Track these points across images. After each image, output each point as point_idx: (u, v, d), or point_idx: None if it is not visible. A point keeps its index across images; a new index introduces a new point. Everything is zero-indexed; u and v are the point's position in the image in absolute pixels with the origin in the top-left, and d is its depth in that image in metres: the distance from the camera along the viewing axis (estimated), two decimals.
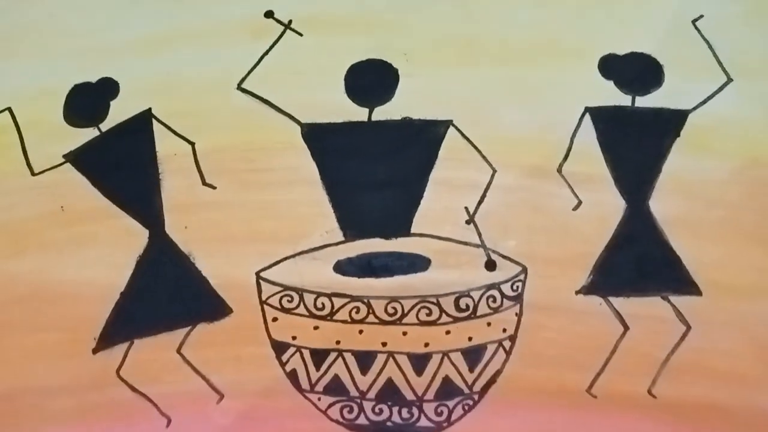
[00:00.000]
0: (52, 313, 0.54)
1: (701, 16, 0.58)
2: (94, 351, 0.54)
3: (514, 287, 0.55)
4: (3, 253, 0.55)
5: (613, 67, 0.58)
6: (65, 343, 0.54)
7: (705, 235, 0.55)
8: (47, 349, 0.54)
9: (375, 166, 0.56)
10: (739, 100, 0.57)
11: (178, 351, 0.54)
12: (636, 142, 0.57)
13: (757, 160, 0.56)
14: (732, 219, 0.56)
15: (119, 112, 0.57)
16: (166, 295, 0.55)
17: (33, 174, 0.56)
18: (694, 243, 0.55)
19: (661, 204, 0.56)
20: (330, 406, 0.55)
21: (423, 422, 0.54)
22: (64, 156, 0.56)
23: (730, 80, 0.57)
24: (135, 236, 0.55)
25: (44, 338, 0.54)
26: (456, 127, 0.56)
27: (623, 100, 0.57)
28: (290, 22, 0.58)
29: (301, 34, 0.58)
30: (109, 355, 0.54)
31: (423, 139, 0.56)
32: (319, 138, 0.56)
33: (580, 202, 0.55)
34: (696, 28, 0.58)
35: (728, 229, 0.55)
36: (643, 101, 0.57)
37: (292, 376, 0.55)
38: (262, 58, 0.58)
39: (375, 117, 0.57)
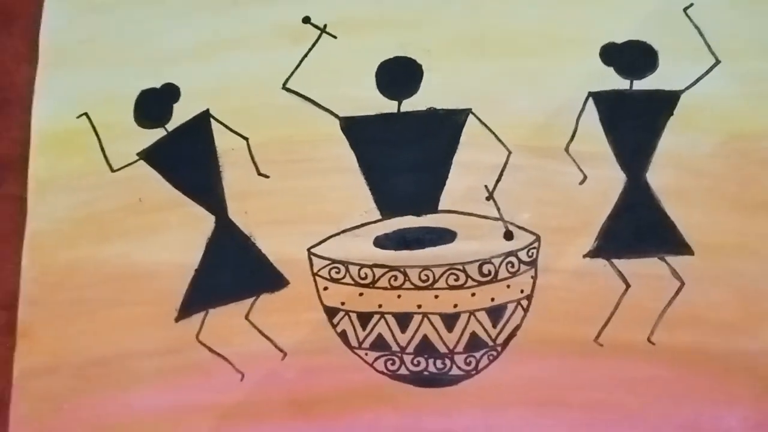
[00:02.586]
0: (136, 289, 0.62)
1: (691, 4, 0.63)
2: (176, 320, 0.61)
3: (530, 254, 0.61)
4: (91, 240, 0.62)
5: (612, 54, 0.63)
6: (149, 314, 0.61)
7: (695, 203, 0.61)
8: (134, 320, 0.61)
9: (405, 152, 0.63)
10: (725, 80, 0.62)
11: (246, 317, 0.61)
12: (634, 121, 0.62)
13: (739, 135, 0.62)
14: (718, 187, 0.61)
15: (182, 113, 0.64)
16: (232, 270, 0.62)
17: (112, 171, 0.64)
18: (686, 210, 0.61)
19: (657, 176, 0.61)
20: (376, 359, 0.61)
21: (455, 371, 0.60)
22: (138, 154, 0.64)
23: (718, 62, 0.62)
24: (203, 221, 0.62)
25: (131, 311, 0.61)
26: (475, 115, 0.63)
27: (622, 84, 0.63)
28: (325, 26, 0.65)
29: (335, 37, 0.65)
30: (189, 323, 0.61)
31: (446, 126, 0.63)
32: (356, 129, 0.63)
33: (585, 177, 0.62)
34: (687, 15, 0.63)
35: (715, 196, 0.61)
36: (640, 84, 0.63)
37: (343, 335, 0.61)
38: (302, 60, 0.64)
39: (403, 108, 0.63)
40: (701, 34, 0.63)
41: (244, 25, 0.66)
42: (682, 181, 0.62)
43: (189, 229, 0.63)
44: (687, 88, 0.63)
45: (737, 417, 0.59)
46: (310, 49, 0.65)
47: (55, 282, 0.63)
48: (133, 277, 0.62)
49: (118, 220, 0.63)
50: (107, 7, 0.67)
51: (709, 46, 0.63)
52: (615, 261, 0.61)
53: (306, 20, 0.65)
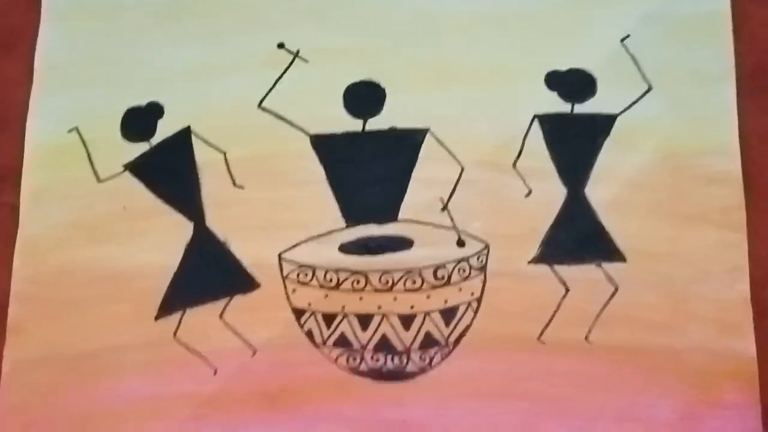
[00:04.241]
0: (121, 289, 0.66)
1: (628, 36, 0.69)
2: (156, 318, 0.66)
3: (480, 260, 0.66)
4: (81, 243, 0.67)
5: (555, 81, 0.69)
6: (132, 312, 0.66)
7: (629, 214, 0.67)
8: (118, 317, 0.66)
9: (369, 166, 0.68)
10: (658, 105, 0.68)
11: (221, 317, 0.66)
12: (574, 141, 0.68)
13: (671, 153, 0.67)
14: (650, 200, 0.67)
15: (166, 129, 0.70)
16: (208, 273, 0.67)
17: (99, 181, 0.69)
18: (620, 220, 0.67)
19: (595, 190, 0.67)
20: (338, 356, 0.65)
21: (410, 367, 0.65)
22: (124, 166, 0.69)
23: (650, 88, 0.69)
24: (183, 228, 0.68)
25: (118, 308, 0.66)
26: (432, 134, 0.68)
27: (564, 107, 0.69)
28: (298, 51, 0.71)
29: (307, 61, 0.70)
30: (168, 321, 0.66)
31: (406, 144, 0.68)
32: (324, 145, 0.69)
33: (530, 191, 0.67)
34: (624, 46, 0.69)
35: (647, 208, 0.67)
36: (581, 108, 0.69)
37: (309, 334, 0.66)
38: (276, 81, 0.70)
39: (368, 127, 0.69)
40: (636, 63, 0.69)
41: (225, 51, 0.71)
42: (618, 195, 0.68)
43: (169, 235, 0.68)
44: (622, 111, 0.69)
45: (667, 407, 0.65)
46: (284, 72, 0.70)
47: (45, 282, 0.68)
48: (118, 278, 0.67)
49: (104, 226, 0.68)
50: (99, 32, 0.72)
51: (643, 74, 0.69)
52: (556, 267, 0.67)
53: (280, 46, 0.71)
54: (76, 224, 0.69)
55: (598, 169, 0.68)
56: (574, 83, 0.69)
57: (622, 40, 0.70)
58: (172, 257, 0.68)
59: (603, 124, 0.69)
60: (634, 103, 0.69)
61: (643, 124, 0.69)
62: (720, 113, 0.69)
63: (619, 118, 0.69)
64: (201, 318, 0.67)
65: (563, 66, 0.70)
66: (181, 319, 0.67)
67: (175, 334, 0.67)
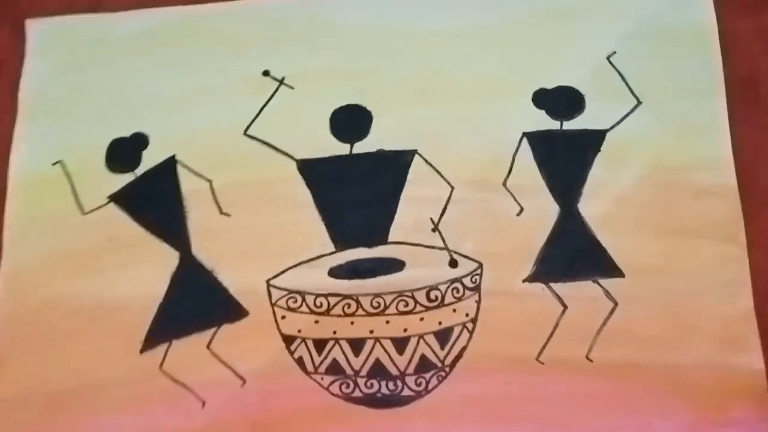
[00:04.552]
0: (105, 322, 0.65)
1: (614, 53, 0.69)
2: (141, 351, 0.64)
3: (473, 280, 0.65)
4: (65, 276, 0.66)
5: (543, 99, 0.69)
6: (118, 345, 0.64)
7: (622, 230, 0.66)
8: (106, 351, 0.64)
9: (357, 189, 0.67)
10: (647, 120, 0.68)
11: (208, 347, 0.64)
12: (565, 158, 0.68)
13: (662, 167, 0.67)
14: (643, 215, 0.66)
15: (150, 159, 0.69)
16: (195, 303, 0.65)
17: (83, 213, 0.68)
18: (615, 236, 0.66)
19: (587, 206, 0.66)
20: (331, 383, 0.64)
21: (406, 392, 0.63)
22: (109, 197, 0.68)
23: (639, 103, 0.68)
24: (168, 257, 0.66)
25: (103, 343, 0.65)
26: (420, 155, 0.68)
27: (553, 125, 0.68)
28: (284, 78, 0.71)
29: (292, 87, 0.71)
30: (153, 353, 0.64)
31: (394, 165, 0.68)
32: (311, 170, 0.68)
33: (522, 209, 0.66)
34: (610, 62, 0.69)
35: (640, 223, 0.66)
36: (570, 125, 0.68)
37: (300, 361, 0.64)
38: (262, 109, 0.70)
39: (355, 150, 0.68)
40: (623, 79, 0.69)
41: (209, 79, 0.71)
42: (611, 210, 0.67)
43: (155, 265, 0.67)
44: (612, 127, 0.69)
45: (672, 428, 0.63)
46: (269, 99, 0.70)
47: (28, 317, 0.66)
48: (102, 311, 0.66)
49: (89, 259, 0.67)
50: (83, 63, 0.72)
51: (631, 90, 0.69)
52: (552, 284, 0.65)
53: (266, 73, 0.71)
54: (60, 257, 0.67)
55: (590, 185, 0.68)
56: (561, 101, 0.69)
57: (609, 56, 0.70)
58: (158, 288, 0.66)
59: (593, 140, 0.68)
60: (623, 118, 0.69)
61: (633, 139, 0.68)
62: (709, 126, 0.69)
63: (608, 134, 0.68)
64: (188, 349, 0.65)
65: (550, 84, 0.70)
66: (167, 350, 0.65)
67: (161, 366, 0.65)
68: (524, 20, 0.71)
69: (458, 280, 0.65)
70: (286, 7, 0.73)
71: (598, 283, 0.65)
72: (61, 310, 0.66)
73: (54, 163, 0.70)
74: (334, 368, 0.65)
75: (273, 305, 0.66)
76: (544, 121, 0.69)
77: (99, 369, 0.65)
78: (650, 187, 0.67)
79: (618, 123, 0.68)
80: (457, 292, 0.65)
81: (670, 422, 0.63)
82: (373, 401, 0.64)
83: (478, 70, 0.70)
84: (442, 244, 0.66)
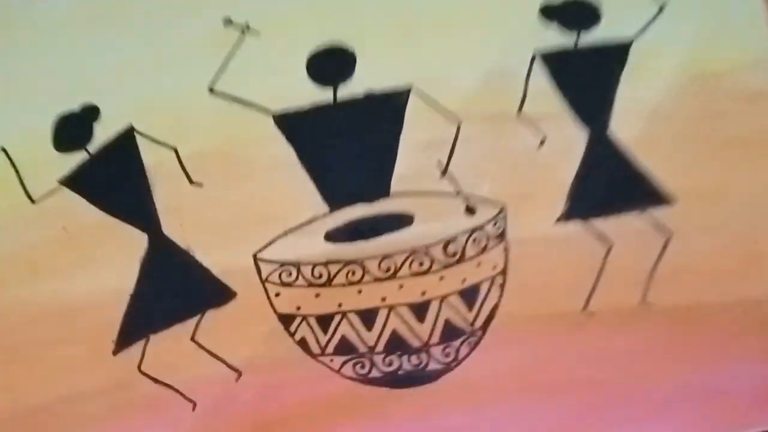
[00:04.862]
0: (70, 326, 0.56)
1: None
2: (114, 352, 0.55)
3: (497, 226, 0.56)
4: (17, 280, 0.57)
5: (552, 12, 0.60)
6: (87, 350, 0.55)
7: (666, 150, 0.57)
8: (72, 358, 0.55)
9: (346, 140, 0.58)
10: (675, 23, 0.59)
11: (192, 339, 0.55)
12: (586, 77, 0.58)
13: (701, 74, 0.58)
14: (688, 130, 0.57)
15: (104, 133, 0.60)
16: (172, 289, 0.56)
17: (33, 202, 0.59)
18: (657, 158, 0.57)
19: (620, 128, 0.57)
20: (343, 365, 0.55)
21: (432, 365, 0.55)
22: (59, 181, 0.59)
23: (663, 6, 0.59)
24: (135, 242, 0.57)
25: (68, 350, 0.56)
26: (416, 92, 0.58)
27: (567, 41, 0.59)
28: (247, 25, 0.62)
29: (258, 33, 0.62)
30: (129, 354, 0.55)
31: (387, 108, 0.58)
32: (290, 124, 0.59)
33: (544, 139, 0.57)
34: None
35: (687, 140, 0.57)
36: (586, 38, 0.59)
37: (302, 343, 0.55)
38: (227, 60, 0.61)
39: (340, 96, 0.59)
40: None
41: (160, 38, 0.62)
42: (648, 129, 0.57)
43: (120, 252, 0.57)
44: (637, 35, 0.59)
45: (756, 374, 0.54)
46: (233, 50, 0.61)
47: None
48: (65, 314, 0.56)
49: (43, 255, 0.57)
50: (11, 43, 0.63)
51: None
52: (591, 222, 0.56)
53: (227, 22, 0.62)
54: (10, 257, 0.58)
55: (620, 104, 0.58)
56: (574, 11, 0.60)
57: None
58: (127, 278, 0.57)
59: (616, 53, 0.59)
60: (647, 25, 0.59)
61: (662, 47, 0.59)
62: (748, 22, 0.59)
63: (634, 44, 0.59)
64: (169, 344, 0.56)
65: None
66: (144, 348, 0.56)
67: (139, 366, 0.55)
68: None
69: (479, 228, 0.56)
70: None
71: (646, 214, 0.56)
72: (18, 318, 0.56)
73: None
74: (345, 347, 0.55)
75: (264, 282, 0.56)
76: (555, 38, 0.59)
77: (70, 380, 0.56)
78: (692, 98, 0.57)
79: (642, 30, 0.59)
80: (479, 242, 0.56)
81: (754, 368, 0.54)
82: (394, 380, 0.56)
83: None
84: (454, 190, 0.57)
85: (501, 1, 0.61)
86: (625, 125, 0.58)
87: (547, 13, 0.60)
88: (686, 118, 0.57)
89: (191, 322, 0.56)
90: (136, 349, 0.56)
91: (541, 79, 0.59)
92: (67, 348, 0.56)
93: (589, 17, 0.60)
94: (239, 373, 0.55)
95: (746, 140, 0.57)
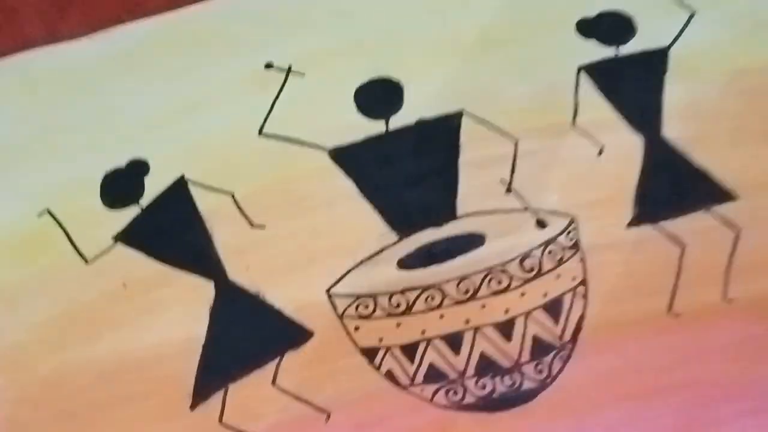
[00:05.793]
0: (140, 381, 0.53)
1: None
2: (192, 407, 0.53)
3: (570, 236, 0.55)
4: (77, 339, 0.54)
5: (588, 28, 0.60)
6: (161, 406, 0.53)
7: (722, 147, 0.57)
8: (146, 416, 0.52)
9: (404, 166, 0.57)
10: (707, 27, 0.60)
11: (273, 383, 0.53)
12: (631, 85, 0.59)
13: (743, 72, 0.58)
14: (740, 126, 0.57)
15: (155, 186, 0.58)
16: (246, 335, 0.54)
17: (87, 262, 0.57)
18: (714, 156, 0.57)
19: (674, 131, 0.57)
20: (434, 393, 0.53)
21: (527, 384, 0.53)
22: (114, 237, 0.57)
23: (694, 12, 0.60)
24: (202, 290, 0.55)
25: (139, 406, 0.53)
26: (468, 114, 0.58)
27: (607, 53, 0.60)
28: (290, 67, 0.61)
29: (303, 74, 0.61)
30: (208, 406, 0.53)
31: (441, 132, 0.58)
32: (348, 157, 0.58)
33: (602, 147, 0.57)
34: None
35: (739, 135, 0.57)
36: (626, 49, 0.60)
37: (389, 375, 0.53)
38: (274, 103, 0.60)
39: (391, 126, 0.58)
40: None
41: (203, 85, 0.61)
42: (701, 129, 0.58)
43: (187, 302, 0.55)
44: (672, 43, 0.60)
45: None
46: (279, 91, 0.60)
47: (38, 397, 0.53)
48: (133, 369, 0.54)
49: (102, 311, 0.55)
50: (50, 98, 0.61)
51: (680, 1, 0.61)
52: (661, 224, 0.56)
53: (268, 66, 0.61)
54: (67, 318, 0.55)
55: (669, 107, 0.58)
56: (609, 26, 0.61)
57: None
58: (197, 328, 0.54)
59: (656, 60, 0.60)
60: (681, 32, 0.60)
61: (699, 51, 0.60)
62: None
63: (672, 50, 0.60)
64: (250, 392, 0.53)
65: (590, 12, 0.61)
66: (224, 399, 0.53)
67: (220, 419, 0.53)
68: None
69: (553, 240, 0.55)
70: None
71: (712, 212, 0.56)
72: (79, 379, 0.54)
73: (40, 214, 0.58)
74: (434, 374, 0.53)
75: (341, 317, 0.54)
76: (596, 52, 0.60)
77: None
78: (737, 95, 0.58)
79: (677, 38, 0.60)
80: (555, 255, 0.55)
81: None
82: (490, 404, 0.53)
83: (505, 14, 0.61)
84: (522, 205, 0.56)
85: (539, 17, 0.61)
86: (677, 127, 0.58)
87: (583, 28, 0.61)
88: (736, 114, 0.58)
89: (270, 367, 0.54)
90: (215, 401, 0.53)
91: (590, 90, 0.59)
92: (140, 405, 0.53)
93: (624, 29, 0.61)
94: (328, 414, 0.53)
95: None
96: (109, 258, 0.57)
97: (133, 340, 0.54)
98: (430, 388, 0.53)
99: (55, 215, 0.58)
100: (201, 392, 0.53)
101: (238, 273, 0.56)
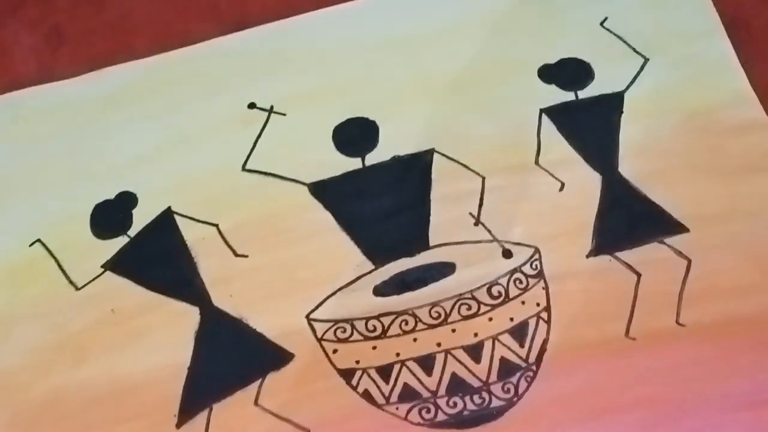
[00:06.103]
0: (129, 403, 0.55)
1: (606, 18, 0.67)
2: (178, 426, 0.55)
3: (534, 266, 0.58)
4: (68, 364, 0.57)
5: (550, 73, 0.65)
6: (149, 427, 0.55)
7: (673, 182, 0.61)
8: None
9: (381, 200, 0.61)
10: (659, 72, 0.65)
11: (256, 403, 0.55)
12: (591, 125, 0.63)
13: (692, 113, 0.63)
14: (689, 163, 0.61)
15: (142, 217, 0.62)
16: (229, 358, 0.57)
17: (77, 289, 0.59)
18: (666, 191, 0.61)
19: (629, 168, 0.62)
20: (409, 412, 0.55)
21: (495, 402, 0.55)
22: (102, 266, 0.60)
23: (647, 59, 0.66)
24: (187, 316, 0.58)
25: (129, 428, 0.55)
26: (439, 152, 0.63)
27: (567, 97, 0.64)
28: (272, 107, 0.65)
29: (284, 114, 0.65)
30: (193, 425, 0.55)
31: (414, 168, 0.62)
32: (326, 191, 0.62)
33: (563, 184, 0.61)
34: (605, 28, 0.67)
35: (689, 171, 0.61)
36: (584, 93, 0.65)
37: (366, 395, 0.56)
38: (257, 140, 0.64)
39: (368, 162, 0.63)
40: (624, 41, 0.67)
41: (189, 123, 0.65)
42: (654, 166, 0.62)
43: (173, 328, 0.58)
44: (627, 87, 0.65)
45: None
46: (262, 129, 0.64)
47: (31, 420, 0.55)
48: (122, 392, 0.56)
49: (92, 337, 0.58)
50: (45, 134, 0.65)
51: (634, 49, 0.66)
52: (618, 254, 0.59)
53: (251, 106, 0.65)
54: (59, 343, 0.58)
55: (625, 146, 0.63)
56: (569, 72, 0.66)
57: (602, 23, 0.68)
58: (182, 352, 0.57)
59: (612, 103, 0.65)
60: (635, 77, 0.65)
61: (652, 94, 0.65)
62: (722, 65, 0.66)
63: (627, 94, 0.65)
64: (233, 411, 0.55)
65: (551, 59, 0.66)
66: (209, 418, 0.55)
67: None
68: (506, 7, 0.68)
69: (518, 269, 0.59)
70: (251, 39, 0.69)
71: (665, 243, 0.59)
72: (70, 403, 0.56)
73: (31, 244, 0.61)
74: (408, 394, 0.56)
75: (320, 340, 0.57)
76: (557, 95, 0.65)
77: None
78: (687, 134, 0.63)
79: (632, 82, 0.65)
80: (520, 282, 0.58)
81: None
82: (461, 421, 0.55)
83: (473, 60, 0.67)
84: (489, 237, 0.60)
85: (505, 63, 0.66)
86: (632, 165, 0.62)
87: (544, 73, 0.66)
88: (686, 153, 0.62)
89: (253, 388, 0.56)
90: (200, 419, 0.55)
91: (551, 131, 0.64)
92: (128, 425, 0.55)
93: (583, 75, 0.66)
94: (308, 431, 0.55)
95: (740, 167, 0.61)
96: (98, 285, 0.60)
97: (122, 363, 0.57)
98: (405, 407, 0.55)
99: (46, 245, 0.61)
100: (186, 411, 0.55)
101: (222, 300, 0.58)
